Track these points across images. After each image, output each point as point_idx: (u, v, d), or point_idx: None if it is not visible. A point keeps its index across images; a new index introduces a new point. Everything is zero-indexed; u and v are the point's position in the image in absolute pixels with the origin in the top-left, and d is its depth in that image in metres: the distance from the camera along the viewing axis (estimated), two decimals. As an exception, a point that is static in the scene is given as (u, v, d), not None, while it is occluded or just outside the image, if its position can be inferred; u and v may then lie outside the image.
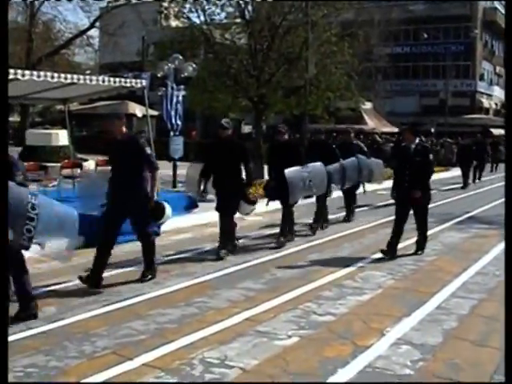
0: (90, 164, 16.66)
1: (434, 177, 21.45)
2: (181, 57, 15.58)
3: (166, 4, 22.33)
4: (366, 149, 13.28)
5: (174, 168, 15.88)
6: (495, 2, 52.95)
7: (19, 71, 9.79)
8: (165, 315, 5.90)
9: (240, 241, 9.41)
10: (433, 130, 41.36)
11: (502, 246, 8.74)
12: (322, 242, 10.05)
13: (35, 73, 10.26)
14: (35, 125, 36.50)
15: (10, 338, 5.04)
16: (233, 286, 7.04)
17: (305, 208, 11.46)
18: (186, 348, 5.02)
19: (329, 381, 4.44)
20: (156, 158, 13.11)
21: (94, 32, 37.77)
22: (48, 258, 8.11)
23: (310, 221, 10.93)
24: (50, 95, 13.04)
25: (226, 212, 8.79)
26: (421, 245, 9.15)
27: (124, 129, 7.14)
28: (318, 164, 10.08)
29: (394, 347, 5.10)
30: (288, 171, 9.26)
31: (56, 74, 10.47)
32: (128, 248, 8.88)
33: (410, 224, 9.07)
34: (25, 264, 5.66)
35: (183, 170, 11.46)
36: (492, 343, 5.18)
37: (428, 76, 53.12)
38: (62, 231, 5.72)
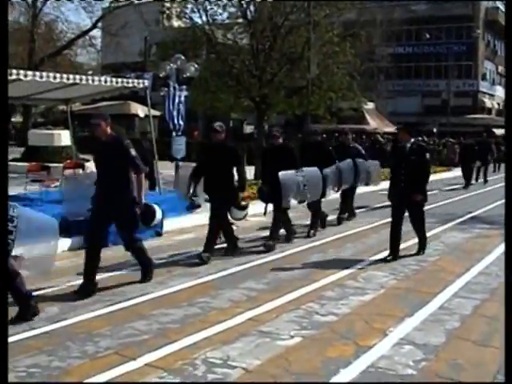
0: (92, 164, 16.65)
1: (436, 177, 21.33)
2: (183, 57, 15.57)
3: (168, 4, 22.37)
4: (363, 152, 12.81)
5: (177, 168, 15.89)
6: (497, 2, 52.87)
7: (21, 72, 9.80)
8: (168, 315, 5.91)
9: (241, 240, 9.40)
10: (435, 130, 41.38)
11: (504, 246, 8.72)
12: (325, 243, 10.05)
13: (37, 73, 10.28)
14: (37, 125, 36.54)
15: (13, 339, 5.06)
16: (235, 286, 7.05)
17: (305, 209, 11.44)
18: (189, 348, 5.03)
19: (331, 381, 4.45)
20: (158, 158, 13.18)
21: (97, 32, 37.88)
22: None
23: (308, 222, 10.87)
24: (52, 96, 13.06)
25: (216, 213, 8.62)
26: (421, 245, 9.11)
27: (109, 130, 6.93)
28: (314, 169, 9.92)
29: (397, 347, 5.10)
30: (282, 174, 9.14)
31: (58, 75, 10.48)
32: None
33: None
34: (14, 267, 5.59)
35: (185, 170, 11.42)
36: (494, 343, 5.18)
37: (430, 76, 53.10)
38: (41, 241, 5.63)
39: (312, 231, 10.57)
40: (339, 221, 11.94)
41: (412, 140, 8.84)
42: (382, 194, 9.34)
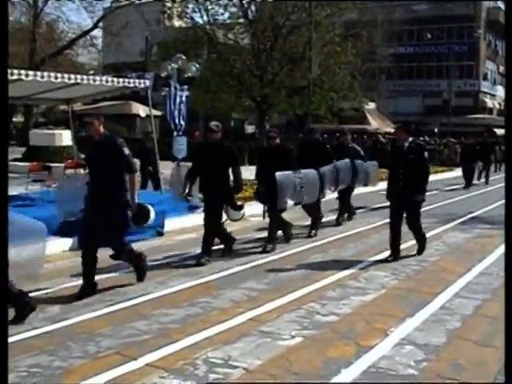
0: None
1: (437, 177, 21.29)
2: (184, 57, 15.58)
3: (169, 4, 22.40)
4: (362, 152, 12.71)
5: (176, 168, 15.88)
6: (499, 2, 52.88)
7: (23, 72, 9.80)
8: (168, 315, 5.91)
9: (242, 241, 9.40)
10: (436, 130, 41.42)
11: (505, 246, 8.71)
12: (326, 243, 10.05)
13: (39, 73, 10.28)
14: (39, 125, 36.59)
15: (15, 338, 5.06)
16: (236, 286, 7.05)
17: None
18: (190, 348, 5.03)
19: (332, 381, 4.44)
20: (159, 158, 13.18)
21: (98, 32, 37.97)
22: (53, 259, 8.19)
23: (308, 222, 10.86)
24: (53, 96, 13.06)
25: (210, 213, 8.50)
26: (420, 247, 9.00)
27: (102, 129, 6.81)
28: (312, 171, 9.84)
29: (398, 347, 5.10)
30: (279, 174, 9.01)
31: (59, 75, 10.49)
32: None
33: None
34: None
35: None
36: (496, 343, 5.17)
37: (431, 76, 53.12)
38: (29, 244, 5.59)
39: (313, 231, 10.57)
40: (338, 221, 11.91)
41: (410, 139, 8.73)
42: (383, 194, 9.32)
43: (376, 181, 13.31)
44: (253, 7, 21.15)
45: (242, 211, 9.16)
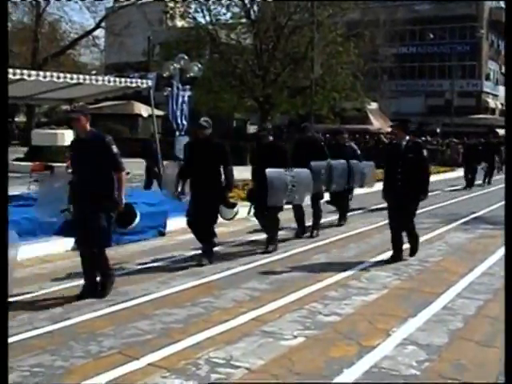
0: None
1: (439, 177, 21.21)
2: (186, 57, 15.61)
3: (171, 4, 22.42)
4: (359, 152, 12.46)
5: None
6: (501, 2, 52.83)
7: (25, 71, 9.84)
8: (171, 315, 5.91)
9: (242, 241, 9.39)
10: (438, 131, 41.38)
11: (507, 246, 8.70)
12: (328, 243, 10.04)
13: (41, 73, 10.31)
14: (41, 125, 36.67)
15: (16, 338, 5.06)
16: (239, 286, 7.04)
17: (305, 210, 11.40)
18: (192, 348, 5.02)
19: (334, 381, 4.44)
20: (162, 157, 13.17)
21: (100, 32, 38.02)
22: (54, 259, 8.19)
23: (309, 223, 10.82)
24: (55, 95, 13.09)
25: (205, 219, 8.24)
26: (412, 247, 8.76)
27: (88, 126, 6.52)
28: (305, 170, 9.59)
29: (400, 347, 5.10)
30: (269, 171, 8.80)
31: (62, 75, 10.52)
32: (132, 249, 8.92)
33: (418, 224, 9.01)
34: None
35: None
36: (498, 344, 5.16)
37: (434, 76, 53.10)
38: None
39: (315, 231, 10.56)
40: (340, 222, 11.85)
41: (407, 137, 8.50)
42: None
43: (372, 182, 13.00)
44: (255, 7, 21.18)
45: (235, 209, 8.81)
